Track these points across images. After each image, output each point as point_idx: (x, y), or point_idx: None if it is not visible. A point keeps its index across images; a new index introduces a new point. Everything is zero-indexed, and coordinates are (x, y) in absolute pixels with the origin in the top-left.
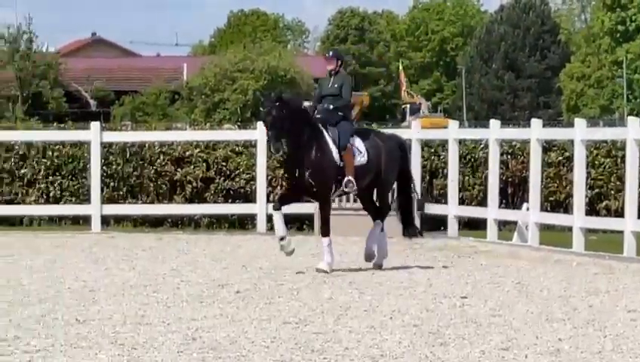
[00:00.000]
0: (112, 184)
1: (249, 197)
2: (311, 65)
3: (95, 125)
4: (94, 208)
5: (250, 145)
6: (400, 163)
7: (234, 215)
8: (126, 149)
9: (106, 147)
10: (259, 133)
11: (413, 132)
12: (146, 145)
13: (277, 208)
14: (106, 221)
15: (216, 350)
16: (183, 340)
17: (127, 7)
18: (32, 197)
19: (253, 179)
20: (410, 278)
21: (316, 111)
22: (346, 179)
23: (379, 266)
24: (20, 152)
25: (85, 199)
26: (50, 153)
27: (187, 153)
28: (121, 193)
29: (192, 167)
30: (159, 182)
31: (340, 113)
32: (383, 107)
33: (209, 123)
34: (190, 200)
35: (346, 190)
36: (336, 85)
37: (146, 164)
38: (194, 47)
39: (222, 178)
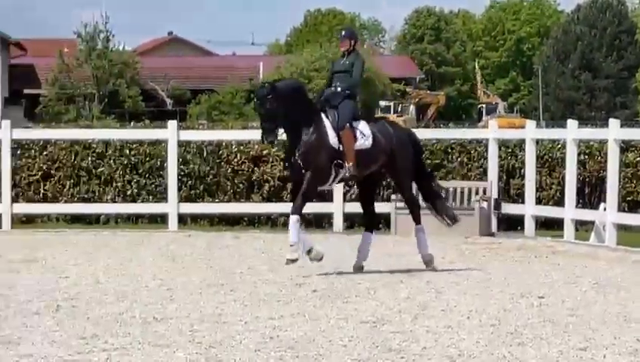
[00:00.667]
0: (189, 183)
1: (325, 196)
2: (387, 64)
3: (172, 124)
4: (171, 207)
5: None
6: (415, 156)
7: (310, 214)
8: (203, 148)
9: (183, 146)
10: None
11: (490, 131)
12: (223, 143)
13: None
14: (182, 219)
15: (293, 349)
16: (260, 339)
17: (203, 7)
18: (109, 196)
19: None
20: (487, 278)
21: (324, 95)
22: (345, 164)
23: (360, 268)
24: (98, 150)
25: (162, 198)
26: (128, 151)
27: (264, 152)
28: (198, 192)
29: (270, 165)
30: (236, 181)
31: (346, 92)
32: (459, 107)
33: None
34: (267, 199)
35: (342, 175)
36: (348, 62)
37: (222, 163)
38: (270, 46)
39: None
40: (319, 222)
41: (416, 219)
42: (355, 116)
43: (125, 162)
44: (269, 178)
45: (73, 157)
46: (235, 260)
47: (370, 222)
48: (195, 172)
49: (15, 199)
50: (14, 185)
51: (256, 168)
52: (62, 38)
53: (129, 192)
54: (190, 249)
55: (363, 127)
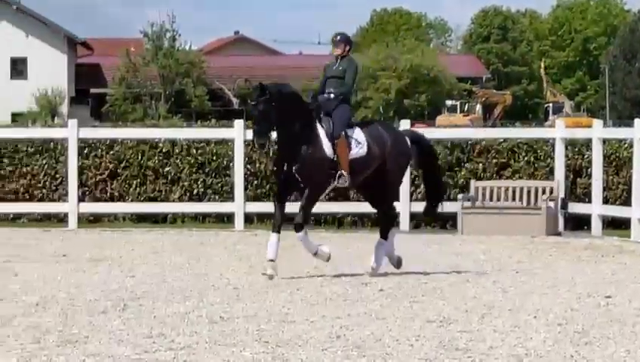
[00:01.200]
0: (255, 182)
1: None
2: (453, 63)
3: (239, 123)
4: (238, 206)
5: None
6: (421, 163)
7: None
8: (269, 147)
9: (250, 145)
10: None
11: (557, 131)
12: None
13: (276, 231)
14: (249, 219)
15: (360, 348)
16: (327, 338)
17: (270, 6)
18: (175, 195)
19: None
20: (554, 277)
21: (313, 101)
22: (338, 172)
23: (399, 263)
24: (164, 150)
25: (229, 197)
26: (194, 151)
27: None
28: (264, 191)
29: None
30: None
31: (340, 97)
32: (526, 106)
33: None
34: (333, 199)
35: (337, 185)
36: (340, 68)
37: None
38: None
39: None
40: None
41: (383, 234)
42: (349, 122)
43: (192, 161)
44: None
45: (140, 157)
46: (301, 259)
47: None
48: (261, 171)
49: (82, 198)
50: (81, 185)
51: None
52: (128, 38)
53: (195, 191)
54: (256, 248)
55: (357, 134)
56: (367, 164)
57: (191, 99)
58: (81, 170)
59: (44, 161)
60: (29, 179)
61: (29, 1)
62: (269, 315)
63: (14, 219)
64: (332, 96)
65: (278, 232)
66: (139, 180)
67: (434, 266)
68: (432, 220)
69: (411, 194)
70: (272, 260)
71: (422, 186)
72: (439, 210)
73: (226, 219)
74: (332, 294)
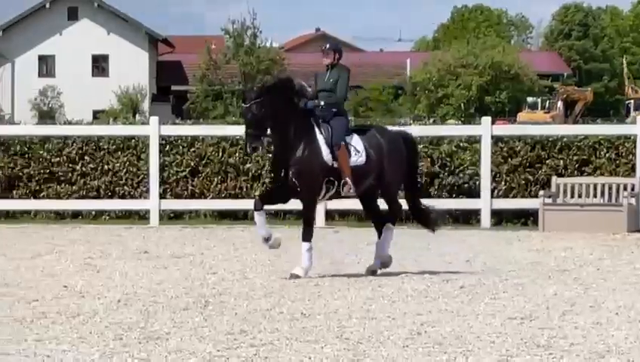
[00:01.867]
0: None
1: (473, 193)
2: (534, 60)
3: None
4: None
5: (474, 141)
6: (407, 160)
7: (458, 210)
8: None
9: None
10: (483, 129)
11: (638, 127)
12: None
13: (258, 208)
14: (330, 215)
15: (441, 345)
16: (408, 335)
17: (351, 3)
18: (256, 192)
19: (477, 174)
20: (635, 274)
21: (307, 106)
22: (342, 181)
23: (373, 272)
24: None
25: None
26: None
27: None
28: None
29: None
30: None
31: (333, 109)
32: (607, 103)
33: (432, 118)
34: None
35: (342, 193)
36: (331, 80)
37: None
38: (417, 43)
39: (446, 173)
40: (467, 219)
41: (392, 221)
42: (347, 131)
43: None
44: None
45: (221, 154)
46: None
47: (381, 219)
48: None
49: (163, 195)
50: (162, 182)
51: None
52: (209, 35)
53: None
54: (338, 245)
55: (356, 142)
56: (367, 172)
57: None
58: (162, 167)
59: (125, 159)
60: (111, 176)
61: None
62: (350, 312)
63: (96, 217)
64: (322, 104)
65: (260, 209)
66: (220, 177)
67: (515, 263)
68: (509, 219)
69: (492, 191)
70: (266, 238)
71: (502, 183)
72: (428, 207)
73: None
74: (413, 291)
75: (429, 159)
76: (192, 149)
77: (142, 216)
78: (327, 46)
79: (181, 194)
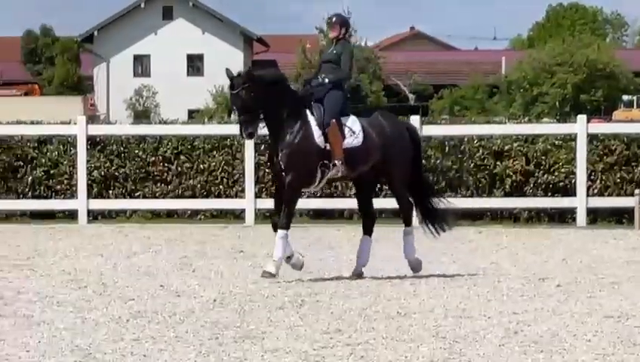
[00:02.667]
0: (431, 177)
1: (568, 191)
2: (630, 59)
3: (415, 119)
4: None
5: (569, 139)
6: (413, 150)
7: (554, 208)
8: (445, 143)
9: (426, 140)
10: (578, 127)
11: None
12: (465, 138)
13: (275, 229)
14: None
15: (537, 343)
16: (504, 334)
17: (445, 2)
18: (352, 191)
19: (573, 172)
20: None
21: (310, 85)
22: (332, 162)
23: (359, 274)
24: None
25: None
26: None
27: (506, 147)
28: (441, 186)
29: (512, 160)
30: (478, 176)
31: (331, 83)
32: None
33: (527, 117)
34: (509, 194)
35: (330, 175)
36: (335, 52)
37: (465, 158)
38: (512, 41)
39: (541, 171)
40: (562, 217)
41: (407, 221)
42: (344, 110)
43: None
44: (511, 173)
45: None
46: (477, 255)
47: (369, 225)
48: (437, 167)
49: (258, 194)
50: (258, 181)
51: (498, 163)
52: (304, 34)
53: None
54: (432, 243)
55: (352, 123)
56: (364, 156)
57: (367, 94)
58: (257, 167)
59: (221, 158)
60: (207, 175)
61: None
62: (446, 311)
63: (191, 216)
64: (326, 80)
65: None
66: None
67: (611, 262)
68: (604, 217)
69: (588, 189)
70: (288, 257)
71: (598, 182)
72: (438, 206)
73: (401, 215)
74: (508, 290)
75: (523, 158)
76: None
77: (237, 216)
78: (334, 19)
79: None
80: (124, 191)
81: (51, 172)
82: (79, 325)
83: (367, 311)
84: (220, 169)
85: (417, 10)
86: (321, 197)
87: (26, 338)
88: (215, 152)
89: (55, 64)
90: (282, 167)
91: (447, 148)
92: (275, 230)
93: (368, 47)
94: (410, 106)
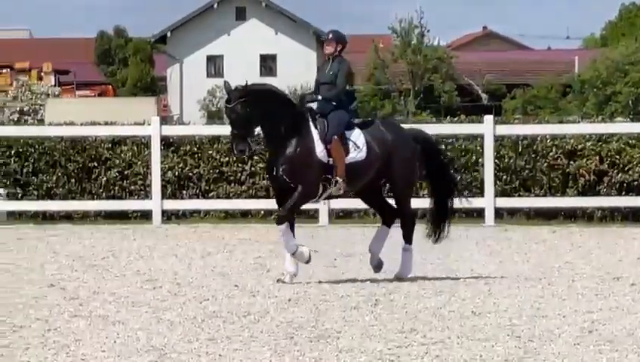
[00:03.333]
0: (504, 177)
1: None
2: None
3: (488, 118)
4: (487, 201)
5: None
6: (425, 160)
7: (627, 208)
8: (518, 142)
9: (499, 140)
10: None
11: None
12: (538, 138)
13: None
14: (499, 214)
15: (612, 342)
16: (579, 332)
17: (518, 1)
18: (425, 191)
19: None
20: None
21: (305, 100)
22: (334, 179)
23: (377, 267)
24: None
25: (478, 192)
26: (443, 146)
27: (579, 146)
28: (514, 186)
29: (585, 159)
30: (552, 175)
31: (333, 103)
32: None
33: (601, 116)
34: (582, 193)
35: (333, 192)
36: (331, 72)
37: (538, 157)
38: (585, 40)
39: (615, 171)
40: (636, 216)
41: (407, 238)
42: (349, 125)
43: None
44: (585, 172)
45: None
46: (551, 254)
47: (390, 215)
48: (510, 166)
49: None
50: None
51: (571, 162)
52: (376, 34)
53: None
54: (507, 243)
55: (357, 136)
56: (367, 169)
57: (440, 94)
58: None
59: None
60: None
61: None
62: (521, 310)
63: (265, 216)
64: (319, 97)
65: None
66: None
67: None
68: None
69: None
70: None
71: None
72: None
73: (475, 214)
74: (583, 289)
75: (597, 157)
76: None
77: (311, 216)
78: (330, 36)
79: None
80: (197, 191)
81: (125, 172)
82: (154, 325)
83: (441, 311)
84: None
85: (490, 10)
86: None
87: (101, 338)
88: None
89: (128, 65)
90: (286, 179)
91: (520, 147)
92: (278, 223)
93: (441, 47)
94: (483, 106)
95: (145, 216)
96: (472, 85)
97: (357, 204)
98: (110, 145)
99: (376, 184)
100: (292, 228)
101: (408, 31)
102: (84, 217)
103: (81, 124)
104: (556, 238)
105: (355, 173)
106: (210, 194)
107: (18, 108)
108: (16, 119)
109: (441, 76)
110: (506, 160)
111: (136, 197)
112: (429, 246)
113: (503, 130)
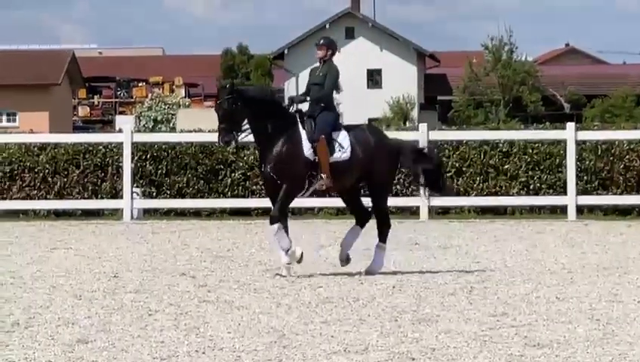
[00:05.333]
0: (585, 177)
1: None
2: None
3: (570, 125)
4: (570, 199)
5: None
6: (407, 163)
7: None
8: (597, 147)
9: (580, 145)
10: None
11: None
12: (615, 142)
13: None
14: (580, 210)
15: None
16: None
17: (598, 19)
18: (514, 190)
19: None
20: None
21: (295, 101)
22: (319, 174)
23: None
24: (504, 150)
25: (561, 191)
26: (530, 150)
27: None
28: (594, 185)
29: None
30: (627, 176)
31: (321, 104)
32: None
33: None
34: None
35: (317, 187)
36: (321, 74)
37: (615, 160)
38: None
39: None
40: None
41: (382, 237)
42: (335, 126)
43: (528, 160)
44: None
45: (482, 156)
46: (628, 246)
47: (364, 217)
48: (590, 168)
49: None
50: None
51: None
52: (470, 50)
53: (532, 187)
54: (587, 236)
55: (342, 138)
56: (350, 169)
57: (527, 104)
58: None
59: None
60: None
61: (383, 19)
62: (600, 296)
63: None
64: (307, 99)
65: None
66: (482, 177)
67: None
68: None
69: None
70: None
71: None
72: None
73: (558, 211)
74: None
75: None
76: (457, 152)
77: (413, 212)
78: (322, 41)
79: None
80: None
81: (248, 174)
82: (274, 309)
83: (529, 296)
84: (398, 170)
85: (572, 29)
86: (487, 195)
87: (227, 321)
88: None
89: (250, 79)
90: (274, 176)
91: (599, 151)
92: (270, 222)
93: (528, 62)
94: (566, 114)
95: (265, 212)
96: (556, 96)
97: (453, 202)
98: (234, 150)
99: (355, 185)
100: (286, 229)
101: (499, 48)
102: (212, 214)
103: (209, 131)
104: (631, 232)
105: (339, 172)
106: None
107: (153, 117)
108: (151, 127)
109: (529, 88)
110: (587, 162)
111: (257, 196)
112: (518, 239)
113: (584, 135)
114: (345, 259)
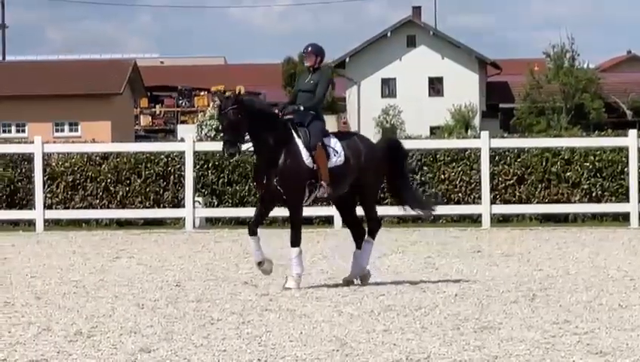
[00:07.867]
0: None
1: None
2: None
3: (632, 133)
4: (632, 206)
5: None
6: (389, 163)
7: None
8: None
9: None
10: None
11: None
12: None
13: (251, 234)
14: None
15: None
16: None
17: None
18: (576, 197)
19: None
20: None
21: (285, 111)
22: (319, 183)
23: (348, 282)
24: (565, 157)
25: (623, 198)
26: (592, 157)
27: None
28: None
29: None
30: None
31: (311, 112)
32: None
33: None
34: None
35: (318, 195)
36: (312, 82)
37: None
38: None
39: None
40: None
41: (371, 235)
42: (325, 133)
43: (590, 167)
44: None
45: (544, 163)
46: None
47: (359, 231)
48: None
49: (493, 201)
50: (492, 189)
51: None
52: (532, 58)
53: (594, 194)
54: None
55: (334, 143)
56: (346, 173)
57: (589, 112)
58: (492, 176)
59: (459, 168)
60: (447, 184)
61: (444, 27)
62: None
63: (434, 221)
64: (301, 108)
65: (255, 234)
66: (543, 184)
67: None
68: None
69: None
70: (259, 263)
71: None
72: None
73: (621, 218)
74: None
75: None
76: (519, 160)
77: (474, 220)
78: (310, 49)
79: (509, 199)
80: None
81: None
82: (336, 317)
83: (592, 304)
84: (459, 178)
85: (634, 36)
86: (549, 203)
87: (289, 329)
88: (454, 163)
89: None
90: (280, 190)
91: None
92: (251, 234)
93: (590, 69)
94: (628, 122)
95: (328, 221)
96: (618, 103)
97: (515, 209)
98: None
99: (350, 199)
100: (258, 239)
101: (560, 55)
102: (273, 223)
103: None
104: None
105: (337, 177)
106: (384, 202)
107: (214, 126)
108: (212, 136)
109: (590, 95)
110: None
111: (319, 205)
112: (580, 247)
113: None
114: (363, 278)
